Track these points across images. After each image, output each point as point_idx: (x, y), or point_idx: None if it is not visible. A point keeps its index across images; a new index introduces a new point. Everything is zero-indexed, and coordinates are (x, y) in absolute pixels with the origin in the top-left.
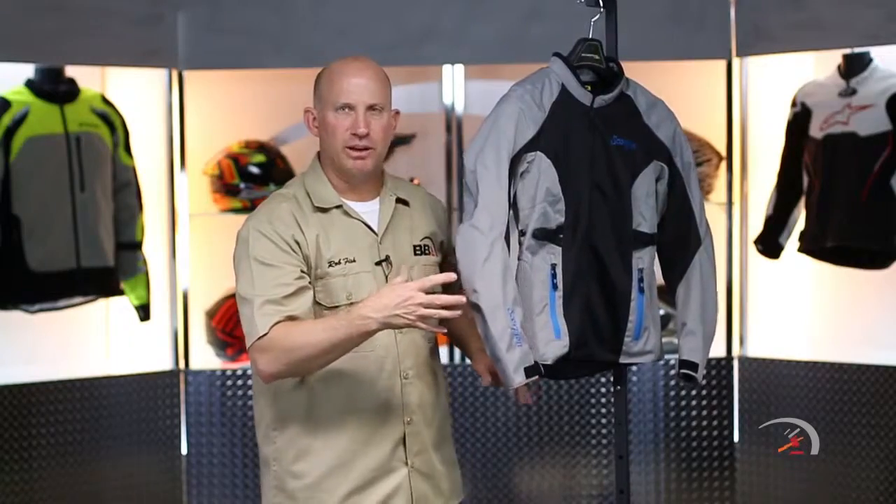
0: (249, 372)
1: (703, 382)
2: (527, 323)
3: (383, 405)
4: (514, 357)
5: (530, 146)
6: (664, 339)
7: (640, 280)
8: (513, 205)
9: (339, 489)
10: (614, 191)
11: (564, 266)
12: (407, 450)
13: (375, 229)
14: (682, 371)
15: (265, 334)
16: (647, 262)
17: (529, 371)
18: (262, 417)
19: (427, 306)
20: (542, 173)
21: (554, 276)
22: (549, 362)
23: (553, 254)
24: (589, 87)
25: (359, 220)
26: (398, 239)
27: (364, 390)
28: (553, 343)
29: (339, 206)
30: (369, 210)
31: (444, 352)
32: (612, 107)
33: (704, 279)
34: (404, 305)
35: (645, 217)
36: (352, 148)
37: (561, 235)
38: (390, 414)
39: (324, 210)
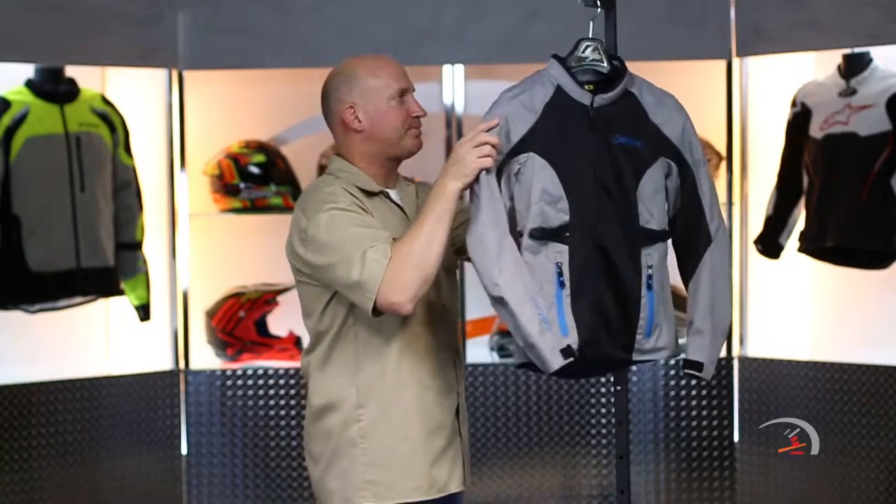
0: (249, 372)
1: (713, 381)
2: None
3: (445, 377)
4: (547, 341)
5: (519, 148)
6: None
7: (650, 277)
8: (511, 207)
9: (428, 456)
10: (619, 189)
11: (571, 264)
12: (460, 420)
13: (409, 215)
14: (686, 370)
15: (387, 264)
16: (657, 259)
17: (565, 353)
18: (343, 400)
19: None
20: (536, 174)
21: (560, 274)
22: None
23: (559, 252)
24: (591, 87)
25: (397, 205)
26: None
27: (432, 363)
28: (561, 340)
29: (382, 192)
30: (396, 197)
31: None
32: (616, 105)
33: (714, 277)
34: (467, 146)
35: (653, 214)
36: (414, 129)
37: (567, 234)
38: (449, 386)
39: (370, 194)
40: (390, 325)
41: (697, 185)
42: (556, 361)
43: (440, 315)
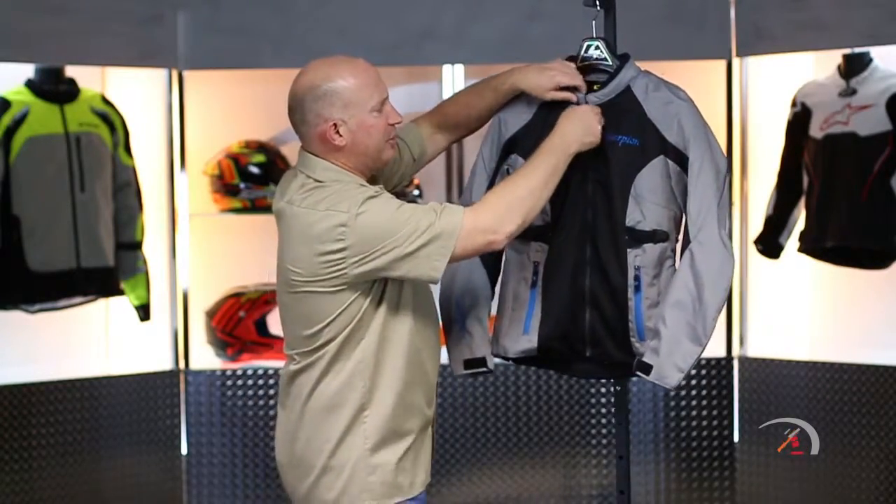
0: (249, 372)
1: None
2: (498, 317)
3: (434, 371)
4: (455, 347)
5: (509, 148)
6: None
7: (636, 279)
8: None
9: (420, 453)
10: (609, 187)
11: (547, 264)
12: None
13: None
14: (635, 369)
15: (474, 204)
16: (648, 261)
17: (468, 363)
18: (343, 404)
19: None
20: None
21: (535, 273)
22: (510, 355)
23: (540, 251)
24: (598, 86)
25: None
26: None
27: (432, 358)
28: (520, 338)
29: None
30: None
31: (443, 351)
32: (615, 103)
33: (686, 280)
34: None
35: (645, 214)
36: (392, 139)
37: (550, 234)
38: (434, 378)
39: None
40: (400, 327)
41: (690, 185)
42: (458, 368)
43: (434, 310)
